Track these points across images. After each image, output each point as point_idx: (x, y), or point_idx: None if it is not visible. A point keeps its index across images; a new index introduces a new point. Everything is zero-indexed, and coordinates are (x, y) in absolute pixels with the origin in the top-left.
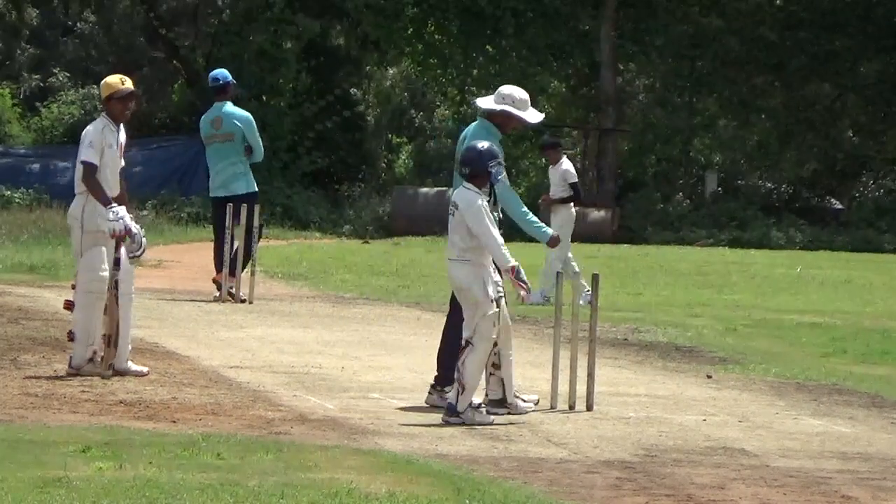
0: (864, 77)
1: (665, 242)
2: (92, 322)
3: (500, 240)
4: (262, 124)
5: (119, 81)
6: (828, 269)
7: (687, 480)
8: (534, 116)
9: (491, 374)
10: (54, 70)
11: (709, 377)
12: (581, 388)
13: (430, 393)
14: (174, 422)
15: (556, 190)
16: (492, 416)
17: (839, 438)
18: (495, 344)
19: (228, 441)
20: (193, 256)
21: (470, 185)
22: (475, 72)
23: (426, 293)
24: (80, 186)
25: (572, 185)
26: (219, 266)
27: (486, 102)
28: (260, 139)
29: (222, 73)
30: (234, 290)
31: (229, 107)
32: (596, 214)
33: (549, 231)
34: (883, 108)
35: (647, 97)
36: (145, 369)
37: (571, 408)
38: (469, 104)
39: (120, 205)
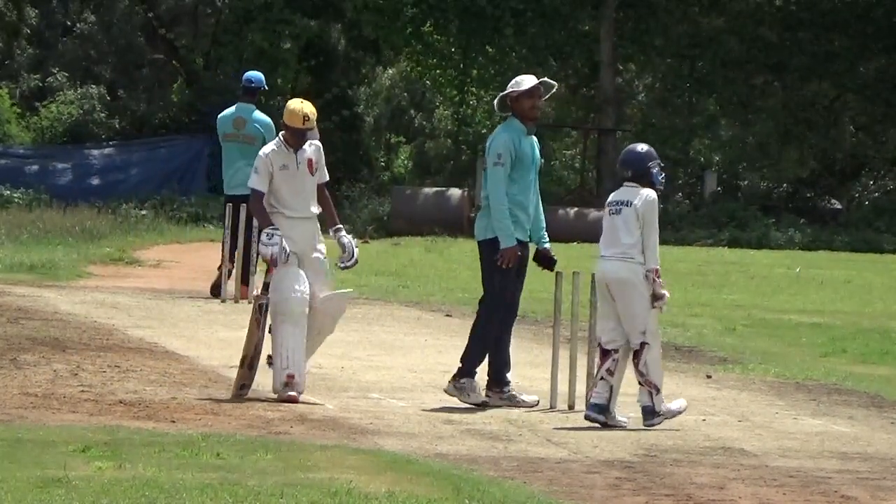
0: (864, 77)
1: (664, 242)
2: (282, 344)
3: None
4: None
5: (303, 120)
6: (827, 269)
7: (687, 480)
8: (529, 80)
9: (602, 378)
10: (53, 70)
11: (708, 377)
12: (581, 388)
13: (487, 396)
14: (174, 422)
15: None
16: (683, 404)
17: (839, 438)
18: (616, 351)
19: (228, 441)
20: (193, 256)
21: (634, 185)
22: (475, 72)
23: (426, 293)
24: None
25: None
26: (244, 277)
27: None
28: None
29: (258, 76)
30: (248, 296)
31: (256, 111)
32: (595, 214)
33: (513, 241)
34: (883, 108)
35: (647, 97)
36: (314, 400)
37: (571, 408)
38: (469, 104)
39: (335, 225)
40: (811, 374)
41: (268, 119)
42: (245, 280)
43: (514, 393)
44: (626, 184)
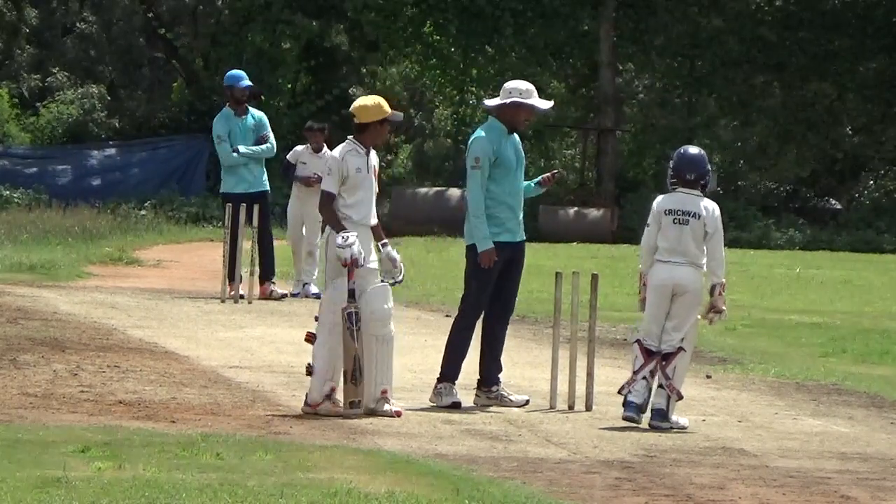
0: (863, 77)
1: None
2: (331, 357)
3: None
4: None
5: (380, 107)
6: (827, 269)
7: (686, 480)
8: (543, 103)
9: (660, 385)
10: (53, 70)
11: (708, 377)
12: (580, 388)
13: (477, 395)
14: (173, 422)
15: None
16: (689, 423)
17: (838, 438)
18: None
19: (228, 441)
20: (192, 256)
21: (697, 192)
22: (474, 72)
23: (426, 293)
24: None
25: None
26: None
27: (493, 102)
28: (221, 145)
29: (229, 74)
30: (233, 294)
31: (223, 110)
32: (595, 214)
33: (489, 244)
34: (883, 108)
35: (647, 97)
36: (398, 408)
37: (571, 408)
38: (468, 104)
39: (382, 239)
40: (811, 374)
41: (220, 115)
42: (231, 277)
43: (502, 392)
44: (681, 189)
